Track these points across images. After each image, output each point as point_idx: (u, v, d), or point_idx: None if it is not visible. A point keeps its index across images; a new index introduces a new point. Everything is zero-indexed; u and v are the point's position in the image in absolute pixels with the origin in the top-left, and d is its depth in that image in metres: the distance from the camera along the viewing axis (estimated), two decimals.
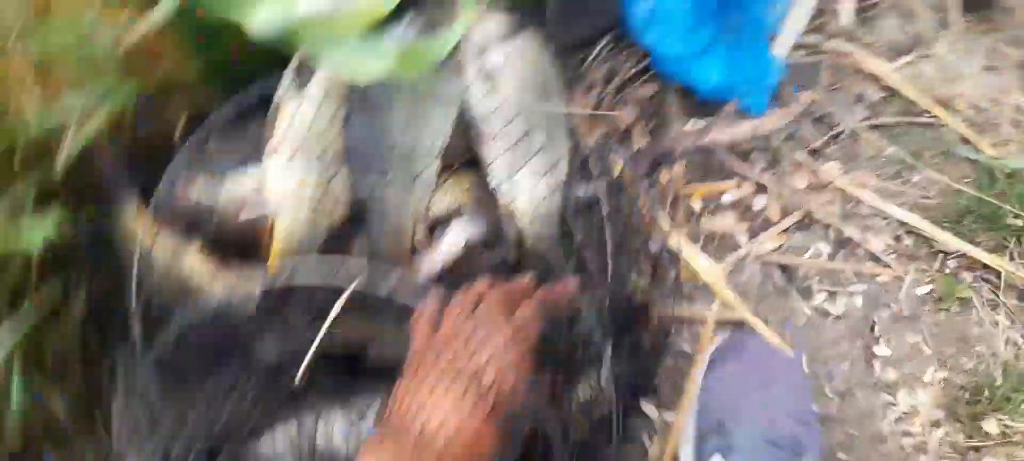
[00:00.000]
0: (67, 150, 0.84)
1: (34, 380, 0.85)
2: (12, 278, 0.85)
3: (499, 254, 1.01)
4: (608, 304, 0.97)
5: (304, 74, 0.94)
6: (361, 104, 0.96)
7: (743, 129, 1.08)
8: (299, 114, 0.94)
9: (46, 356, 0.89)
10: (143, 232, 0.89)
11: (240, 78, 1.00)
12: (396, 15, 0.93)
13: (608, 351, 0.93)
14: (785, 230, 1.13)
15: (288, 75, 0.95)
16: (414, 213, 0.96)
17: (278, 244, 0.91)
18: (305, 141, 0.93)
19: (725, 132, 1.08)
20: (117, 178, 0.93)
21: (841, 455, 1.01)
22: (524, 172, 0.97)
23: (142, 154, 0.94)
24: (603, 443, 0.97)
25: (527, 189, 0.96)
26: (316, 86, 0.94)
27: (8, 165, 0.86)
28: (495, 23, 0.98)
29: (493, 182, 0.97)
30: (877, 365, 1.06)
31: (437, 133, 0.97)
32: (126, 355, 0.88)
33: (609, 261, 1.00)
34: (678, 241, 1.05)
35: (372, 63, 0.87)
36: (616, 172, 1.04)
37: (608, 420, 0.93)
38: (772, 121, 1.09)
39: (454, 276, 0.99)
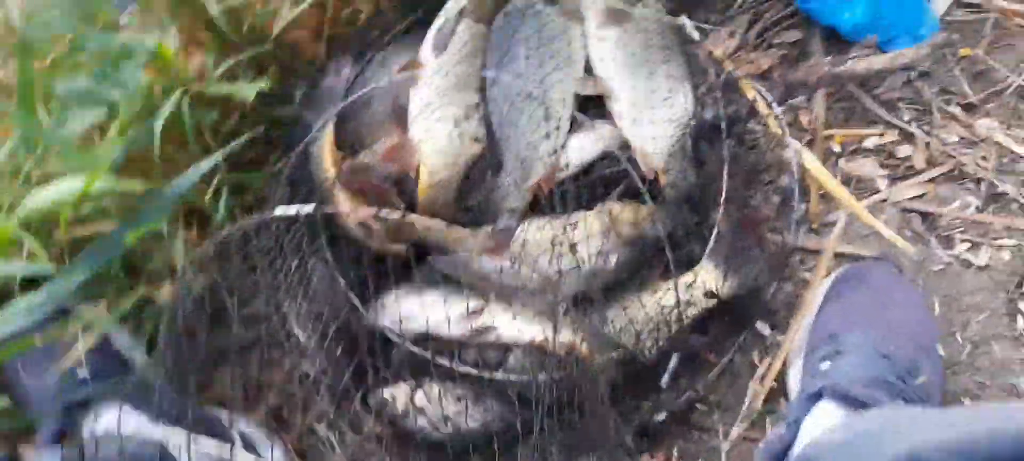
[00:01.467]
0: (279, 26, 1.04)
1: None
2: (228, 125, 1.07)
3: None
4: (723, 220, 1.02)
5: (441, 41, 1.08)
6: (497, 48, 1.07)
7: (880, 59, 1.07)
8: (444, 58, 1.07)
9: (247, 194, 1.09)
10: (324, 141, 1.06)
11: None
12: None
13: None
14: (931, 180, 1.10)
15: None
16: (544, 155, 1.03)
17: (423, 181, 1.03)
18: (447, 82, 1.06)
19: (863, 62, 1.07)
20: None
21: (967, 401, 0.96)
22: (651, 120, 1.03)
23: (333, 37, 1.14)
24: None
25: (657, 135, 1.02)
26: (462, 28, 1.07)
27: (234, 38, 1.09)
28: None
29: (623, 130, 1.04)
30: (1021, 320, 0.99)
31: (566, 78, 1.05)
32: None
33: (723, 182, 1.04)
34: (806, 159, 1.05)
35: None
36: (749, 100, 1.08)
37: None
38: (912, 53, 1.06)
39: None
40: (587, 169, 1.07)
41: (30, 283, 1.03)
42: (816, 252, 1.08)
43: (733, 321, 1.04)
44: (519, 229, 1.01)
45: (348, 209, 1.05)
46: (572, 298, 0.99)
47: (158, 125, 1.00)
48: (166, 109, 1.01)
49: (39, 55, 1.01)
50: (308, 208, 0.98)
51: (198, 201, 1.07)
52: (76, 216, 1.00)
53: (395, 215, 1.03)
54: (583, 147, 1.07)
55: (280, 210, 0.99)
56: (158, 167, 1.06)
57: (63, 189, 0.93)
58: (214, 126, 1.10)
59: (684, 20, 1.09)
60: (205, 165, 1.01)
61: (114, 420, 0.92)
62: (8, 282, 1.05)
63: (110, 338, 1.09)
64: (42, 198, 0.94)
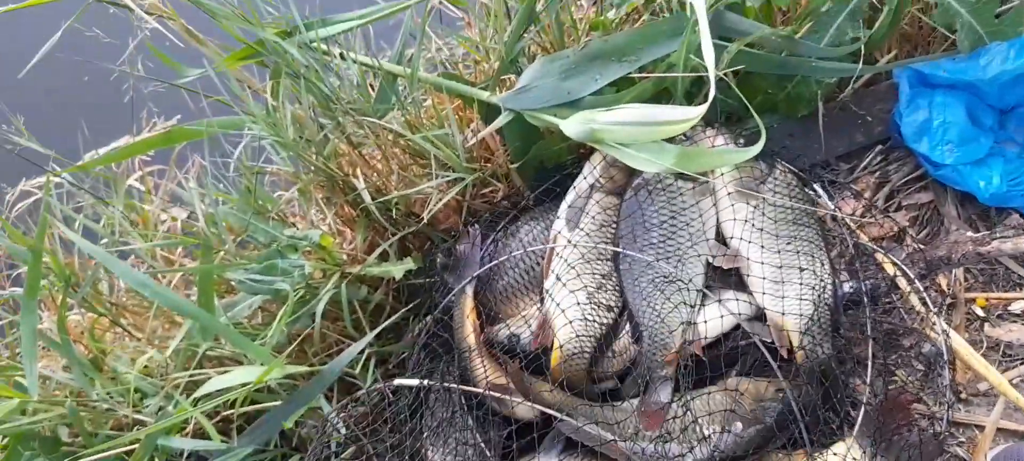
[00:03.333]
0: (429, 211, 1.13)
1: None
2: (375, 297, 1.15)
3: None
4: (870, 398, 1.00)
5: (574, 216, 1.15)
6: (628, 219, 1.12)
7: None
8: (576, 232, 1.12)
9: (389, 361, 1.16)
10: (464, 307, 1.12)
11: (544, 171, 1.25)
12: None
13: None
14: None
15: (587, 169, 1.16)
16: (679, 326, 1.05)
17: (557, 354, 1.07)
18: (579, 255, 1.11)
19: (1009, 243, 1.05)
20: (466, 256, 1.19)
21: None
22: (786, 292, 1.04)
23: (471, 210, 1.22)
24: None
25: (792, 308, 1.04)
26: (593, 202, 1.14)
27: (384, 222, 1.19)
28: (751, 169, 1.10)
29: (759, 301, 1.06)
30: None
31: (698, 250, 1.09)
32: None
33: (869, 361, 1.03)
34: (954, 341, 1.03)
35: (657, 158, 1.04)
36: (887, 272, 1.08)
37: None
38: None
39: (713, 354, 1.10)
40: (716, 341, 1.10)
41: None
42: (967, 425, 1.04)
43: None
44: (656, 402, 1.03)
45: (487, 374, 1.10)
46: None
47: (320, 309, 1.09)
48: (326, 294, 1.10)
49: (216, 247, 1.13)
50: (429, 382, 1.05)
51: (348, 372, 1.14)
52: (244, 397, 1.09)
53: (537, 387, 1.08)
54: (717, 318, 1.09)
55: (402, 381, 1.06)
56: (316, 343, 1.15)
57: (238, 378, 1.02)
58: (363, 301, 1.18)
59: (817, 188, 1.11)
60: (359, 345, 1.09)
61: None
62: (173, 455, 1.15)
63: None
64: (218, 384, 1.03)
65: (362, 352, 1.12)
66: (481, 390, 1.07)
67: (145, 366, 1.17)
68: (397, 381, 1.04)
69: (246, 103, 1.15)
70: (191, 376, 1.10)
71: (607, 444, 1.02)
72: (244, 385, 1.02)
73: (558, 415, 1.03)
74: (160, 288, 0.96)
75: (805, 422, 0.99)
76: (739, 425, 1.03)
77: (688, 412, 1.00)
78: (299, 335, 1.17)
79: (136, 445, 1.09)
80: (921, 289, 1.01)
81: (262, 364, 1.01)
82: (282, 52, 1.15)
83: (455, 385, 1.07)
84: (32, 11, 1.26)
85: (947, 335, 0.98)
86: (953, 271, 1.11)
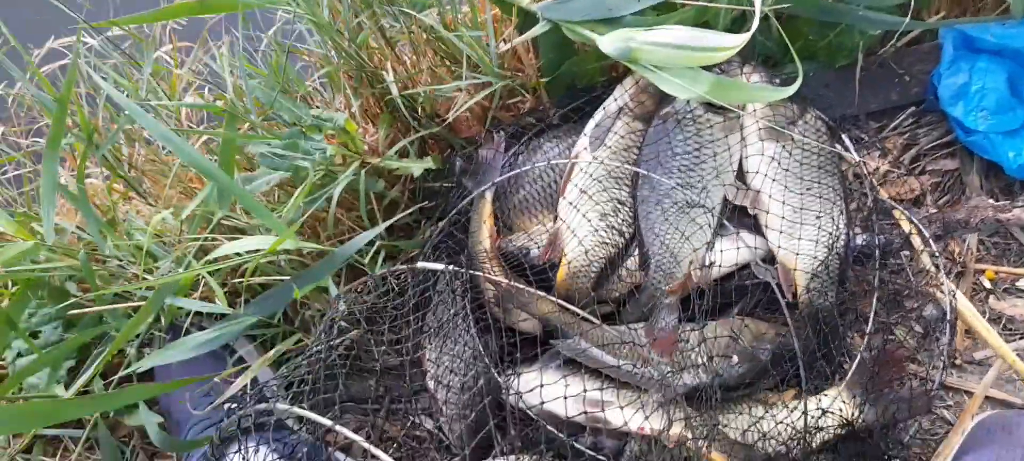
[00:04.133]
0: (455, 111, 1.13)
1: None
2: (391, 194, 1.16)
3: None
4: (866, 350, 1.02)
5: (599, 136, 1.14)
6: (653, 146, 1.11)
7: None
8: (599, 152, 1.12)
9: (399, 257, 1.18)
10: (483, 211, 1.13)
11: (573, 91, 1.25)
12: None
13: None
14: None
15: (618, 92, 1.16)
16: (690, 257, 1.07)
17: (563, 269, 1.08)
18: (599, 176, 1.11)
19: None
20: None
21: None
22: (800, 237, 1.05)
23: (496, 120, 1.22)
24: None
25: (806, 253, 1.04)
26: (620, 124, 1.13)
27: (409, 119, 1.19)
28: (784, 109, 1.10)
29: (773, 243, 1.07)
30: None
31: (718, 184, 1.09)
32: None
33: (872, 311, 1.04)
34: (960, 302, 1.03)
35: (692, 85, 1.03)
36: (903, 230, 1.08)
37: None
38: None
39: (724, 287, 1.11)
40: (727, 275, 1.10)
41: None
42: (958, 390, 1.05)
43: (864, 453, 1.03)
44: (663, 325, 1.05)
45: (496, 279, 1.11)
46: (688, 395, 1.01)
47: (337, 192, 1.10)
48: (344, 179, 1.11)
49: (240, 120, 1.13)
50: (454, 268, 1.06)
51: (357, 261, 1.16)
52: (254, 266, 1.11)
53: (534, 294, 1.10)
54: (728, 253, 1.09)
55: (426, 264, 1.07)
56: (329, 227, 1.16)
57: (251, 244, 1.04)
58: (378, 195, 1.19)
59: (845, 140, 1.11)
60: (372, 233, 1.11)
61: (252, 455, 1.01)
62: (180, 317, 1.17)
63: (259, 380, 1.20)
64: (231, 250, 1.05)
65: (372, 242, 1.14)
66: (494, 286, 1.09)
67: (158, 230, 1.19)
68: (421, 264, 1.05)
69: None
70: (204, 242, 1.11)
71: (601, 363, 1.04)
72: (256, 252, 1.03)
73: (556, 340, 1.05)
74: (183, 143, 0.97)
75: (804, 363, 1.00)
76: (735, 358, 1.05)
77: (704, 341, 1.01)
78: (313, 217, 1.18)
79: (143, 302, 1.11)
80: (934, 248, 1.01)
81: (275, 235, 1.02)
82: None
83: (480, 273, 1.07)
84: None
85: (953, 295, 0.99)
86: (966, 239, 1.11)
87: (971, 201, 1.10)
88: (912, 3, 1.08)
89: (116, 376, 1.16)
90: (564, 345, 1.07)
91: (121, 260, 1.19)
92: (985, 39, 1.09)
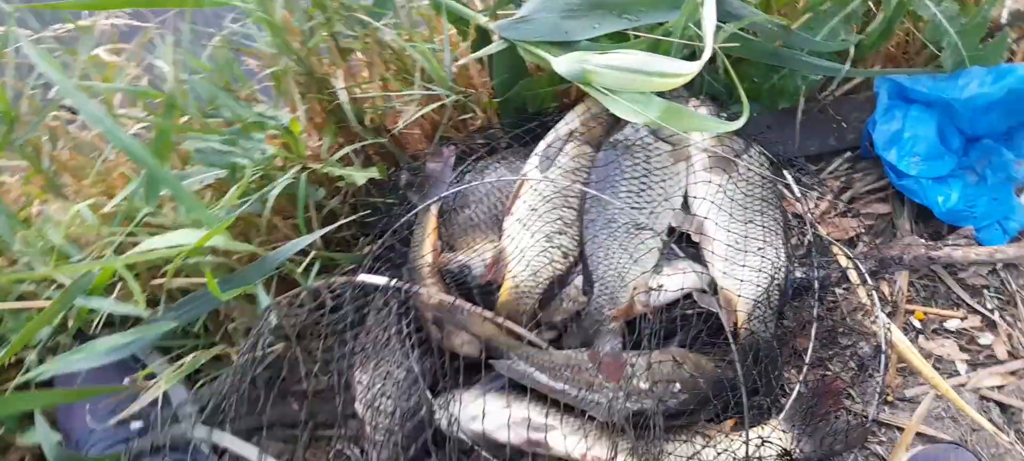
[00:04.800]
0: (404, 120, 1.10)
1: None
2: (331, 204, 1.12)
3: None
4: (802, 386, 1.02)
5: (550, 156, 1.14)
6: (602, 171, 1.11)
7: (980, 252, 1.09)
8: (539, 188, 1.12)
9: (334, 271, 1.13)
10: (427, 225, 1.10)
11: (524, 115, 1.25)
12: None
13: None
14: (1012, 372, 1.09)
15: (569, 116, 1.16)
16: (635, 282, 1.06)
17: (506, 288, 1.06)
18: (547, 197, 1.10)
19: (960, 251, 1.09)
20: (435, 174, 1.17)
21: None
22: (743, 269, 1.06)
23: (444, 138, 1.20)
24: None
25: (745, 283, 1.05)
26: (569, 147, 1.13)
27: (354, 127, 1.16)
28: (729, 142, 1.12)
29: (714, 273, 1.07)
30: None
31: (664, 211, 1.10)
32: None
33: (810, 343, 1.05)
34: (895, 335, 1.05)
35: (644, 110, 1.05)
36: (840, 265, 1.10)
37: None
38: (1014, 251, 1.09)
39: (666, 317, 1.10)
40: (670, 304, 1.10)
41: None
42: (890, 426, 1.06)
43: None
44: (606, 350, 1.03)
45: (434, 294, 1.07)
46: (631, 421, 0.99)
47: (274, 194, 1.05)
48: (283, 181, 1.06)
49: (177, 114, 1.07)
50: (393, 281, 1.02)
51: (290, 270, 1.10)
52: (176, 267, 1.04)
53: (477, 313, 1.06)
54: (671, 281, 1.09)
55: (367, 277, 1.02)
56: (263, 232, 1.11)
57: (178, 239, 0.97)
58: (318, 204, 1.15)
59: (787, 176, 1.13)
60: (307, 239, 1.05)
61: None
62: (91, 319, 1.08)
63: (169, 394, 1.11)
64: (155, 244, 0.98)
65: (307, 251, 1.09)
66: (434, 306, 1.05)
67: (75, 227, 1.10)
68: (362, 276, 1.00)
69: None
70: (125, 236, 1.04)
71: (546, 387, 1.00)
72: (181, 247, 0.96)
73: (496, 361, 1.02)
74: (115, 127, 0.91)
75: (746, 393, 0.99)
76: (678, 386, 1.04)
77: (652, 367, 0.99)
78: (246, 222, 1.12)
79: (49, 301, 1.02)
80: (871, 282, 1.03)
81: (205, 231, 0.96)
82: None
83: (423, 289, 1.03)
84: None
85: (889, 328, 1.01)
86: (897, 280, 1.15)
87: (904, 239, 1.14)
88: (851, 52, 1.14)
89: (11, 384, 1.05)
90: (507, 367, 1.03)
91: (30, 258, 1.10)
92: (918, 90, 1.15)
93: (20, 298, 1.08)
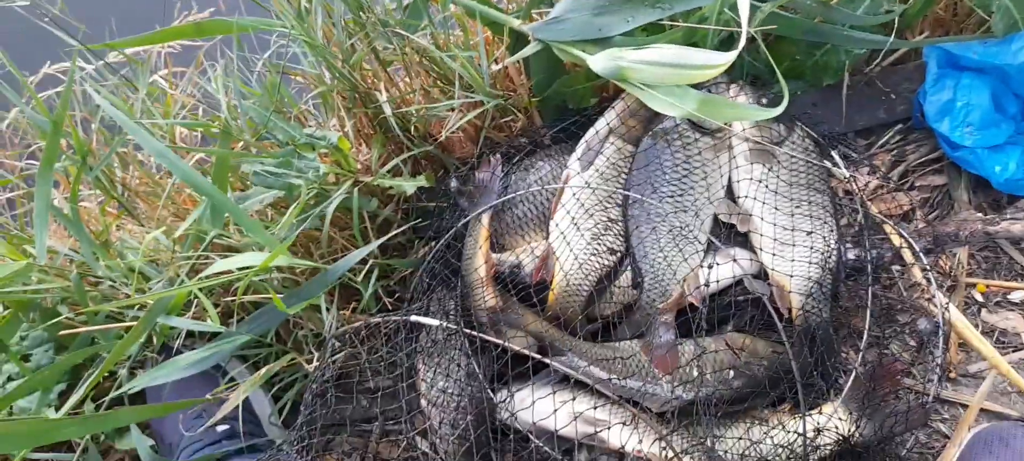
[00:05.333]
0: (448, 129, 1.14)
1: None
2: (384, 212, 1.17)
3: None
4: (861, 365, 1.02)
5: (589, 155, 1.15)
6: (642, 167, 1.12)
7: None
8: (589, 172, 1.13)
9: (392, 276, 1.18)
10: (478, 235, 1.13)
11: (564, 111, 1.26)
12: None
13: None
14: None
15: (607, 114, 1.17)
16: (684, 275, 1.07)
17: (555, 290, 1.09)
18: (590, 196, 1.12)
19: (1019, 224, 1.06)
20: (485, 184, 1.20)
21: None
22: (792, 255, 1.06)
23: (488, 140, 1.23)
24: None
25: (796, 271, 1.05)
26: (609, 145, 1.14)
27: (401, 138, 1.20)
28: (770, 129, 1.11)
29: (764, 261, 1.07)
30: None
31: (707, 203, 1.10)
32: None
33: (865, 328, 1.05)
34: (953, 315, 1.03)
35: (680, 102, 1.05)
36: (894, 243, 1.09)
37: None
38: None
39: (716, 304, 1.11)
40: (718, 293, 1.11)
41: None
42: (953, 403, 1.05)
43: None
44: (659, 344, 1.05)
45: (491, 306, 1.11)
46: (685, 409, 1.01)
47: (330, 210, 1.11)
48: (338, 197, 1.11)
49: (235, 140, 1.14)
50: (445, 324, 1.06)
51: (350, 279, 1.16)
52: (246, 285, 1.11)
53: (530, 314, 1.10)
54: (720, 270, 1.10)
55: (422, 318, 1.07)
56: (322, 245, 1.17)
57: (244, 262, 1.04)
58: (372, 213, 1.20)
59: (834, 156, 1.12)
60: (363, 252, 1.11)
61: None
62: (173, 333, 1.17)
63: (251, 400, 1.19)
64: (224, 266, 1.05)
65: (365, 260, 1.14)
66: (484, 317, 1.09)
67: (151, 250, 1.19)
68: (415, 318, 1.05)
69: (278, 6, 1.16)
70: (197, 259, 1.11)
71: (600, 382, 1.03)
72: (248, 269, 1.03)
73: (550, 357, 1.05)
74: (177, 159, 0.97)
75: (801, 379, 1.00)
76: (731, 374, 1.05)
77: (703, 353, 1.01)
78: (306, 236, 1.19)
79: (135, 322, 1.11)
80: (925, 263, 1.02)
81: (268, 252, 1.02)
82: None
83: (474, 333, 1.07)
84: None
85: (946, 308, 0.99)
86: (957, 254, 1.12)
87: (960, 215, 1.11)
88: (896, 23, 1.11)
89: (107, 398, 1.14)
90: (561, 362, 1.06)
91: (114, 281, 1.19)
92: (968, 57, 1.11)
93: (107, 318, 1.17)
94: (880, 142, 1.24)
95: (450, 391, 1.11)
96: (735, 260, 1.07)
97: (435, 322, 1.05)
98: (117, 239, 1.26)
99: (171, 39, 1.25)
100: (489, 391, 1.08)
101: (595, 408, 1.04)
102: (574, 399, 1.02)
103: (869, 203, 1.12)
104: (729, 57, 0.99)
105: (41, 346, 1.22)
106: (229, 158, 1.08)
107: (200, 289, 1.07)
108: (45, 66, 1.47)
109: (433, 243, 1.20)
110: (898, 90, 1.22)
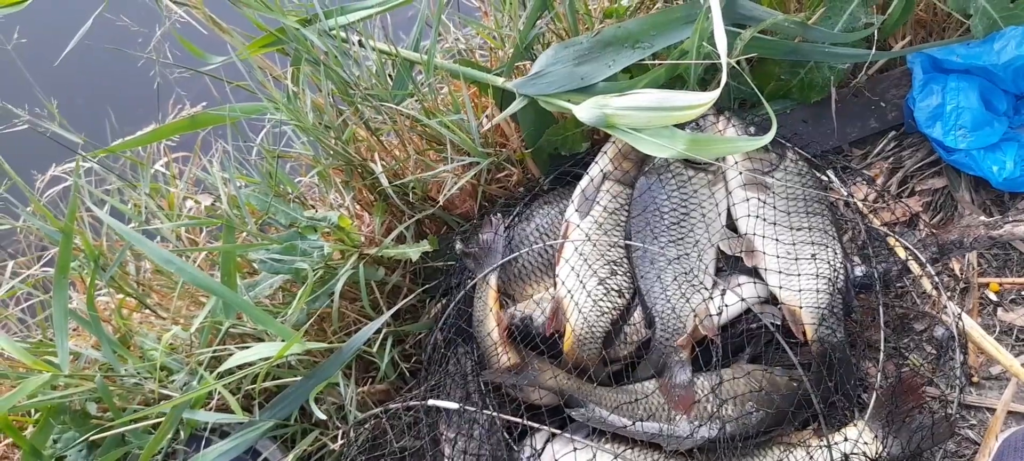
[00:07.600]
0: (445, 194, 1.15)
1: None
2: (392, 279, 1.18)
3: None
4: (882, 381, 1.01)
5: (586, 200, 1.16)
6: (640, 207, 1.12)
7: None
8: (588, 221, 1.14)
9: (407, 341, 1.19)
10: (488, 298, 1.14)
11: (558, 158, 1.27)
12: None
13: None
14: None
15: (600, 157, 1.18)
16: (693, 311, 1.07)
17: (569, 339, 1.09)
18: (590, 251, 1.12)
19: (1022, 226, 1.05)
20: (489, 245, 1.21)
21: None
22: (798, 278, 1.05)
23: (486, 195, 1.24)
24: None
25: (805, 294, 1.04)
26: (605, 189, 1.15)
27: (401, 206, 1.22)
28: (763, 157, 1.11)
29: (772, 287, 1.07)
30: None
31: (708, 236, 1.10)
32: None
33: (881, 345, 1.04)
34: (967, 324, 1.03)
35: (668, 144, 1.06)
36: (900, 256, 1.08)
37: None
38: None
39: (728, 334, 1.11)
40: (730, 323, 1.11)
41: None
42: (979, 408, 1.04)
43: None
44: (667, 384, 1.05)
45: (506, 367, 1.12)
46: (708, 447, 1.01)
47: (338, 288, 1.12)
48: (344, 273, 1.13)
49: (238, 230, 1.16)
50: (465, 407, 1.07)
51: (366, 350, 1.17)
52: (266, 371, 1.13)
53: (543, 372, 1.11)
54: (730, 301, 1.10)
55: (440, 402, 1.08)
56: (334, 321, 1.18)
57: (261, 353, 1.06)
58: (380, 283, 1.21)
59: (829, 174, 1.12)
60: (377, 323, 1.12)
61: None
62: (198, 428, 1.19)
63: None
64: (241, 359, 1.07)
65: (379, 331, 1.15)
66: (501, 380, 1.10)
67: (170, 344, 1.21)
68: (432, 402, 1.07)
69: (268, 89, 1.18)
70: (215, 352, 1.13)
71: (622, 428, 1.04)
72: (265, 359, 1.05)
73: (571, 409, 1.05)
74: (185, 265, 1.00)
75: (822, 408, 1.00)
76: (751, 405, 1.05)
77: (717, 394, 1.01)
78: (318, 314, 1.20)
79: (162, 418, 1.13)
80: (933, 273, 1.01)
81: (282, 340, 1.04)
82: (302, 39, 1.18)
83: (493, 412, 1.07)
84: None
85: (959, 318, 0.98)
86: (966, 255, 1.11)
87: (963, 220, 1.11)
88: (875, 35, 1.11)
89: None
90: (582, 414, 1.07)
91: (137, 377, 1.21)
92: (952, 60, 1.11)
93: (133, 414, 1.20)
94: (876, 151, 1.23)
95: (472, 452, 1.11)
96: (741, 296, 1.07)
97: (454, 405, 1.06)
98: (136, 331, 1.29)
99: (167, 136, 1.28)
100: (511, 445, 1.09)
101: (616, 459, 1.04)
102: (595, 457, 1.02)
103: (871, 216, 1.12)
104: (710, 97, 1.00)
105: (74, 448, 1.24)
106: (234, 251, 1.10)
107: (221, 384, 1.09)
108: (51, 169, 1.51)
109: (444, 300, 1.22)
110: (887, 97, 1.22)
